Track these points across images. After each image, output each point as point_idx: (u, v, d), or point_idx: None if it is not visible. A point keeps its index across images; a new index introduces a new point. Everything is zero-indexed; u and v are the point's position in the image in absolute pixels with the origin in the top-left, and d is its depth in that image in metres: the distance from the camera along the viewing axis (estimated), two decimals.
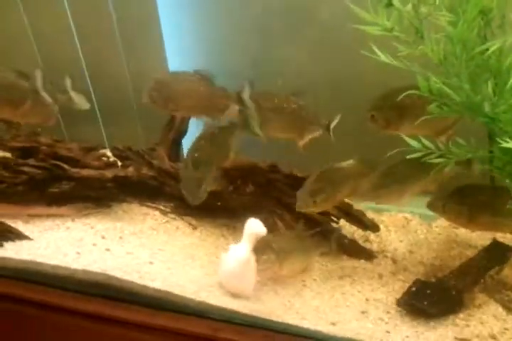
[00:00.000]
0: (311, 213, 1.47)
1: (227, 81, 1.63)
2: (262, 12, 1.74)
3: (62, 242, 1.45)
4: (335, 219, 1.52)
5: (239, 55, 1.84)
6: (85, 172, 1.53)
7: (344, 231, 1.50)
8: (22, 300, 1.37)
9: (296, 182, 1.52)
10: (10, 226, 1.46)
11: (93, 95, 2.03)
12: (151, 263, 1.38)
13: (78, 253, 1.41)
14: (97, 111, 2.10)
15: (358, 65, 1.54)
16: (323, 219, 1.50)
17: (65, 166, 1.53)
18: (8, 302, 1.39)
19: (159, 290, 1.26)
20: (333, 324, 1.15)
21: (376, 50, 1.22)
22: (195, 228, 1.53)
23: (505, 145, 1.10)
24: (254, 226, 1.24)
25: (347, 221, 1.50)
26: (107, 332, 1.33)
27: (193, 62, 1.89)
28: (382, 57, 1.22)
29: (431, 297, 1.17)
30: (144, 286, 1.27)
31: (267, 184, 1.53)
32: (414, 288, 1.20)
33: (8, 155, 1.67)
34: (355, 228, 1.52)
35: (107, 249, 1.43)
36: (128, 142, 1.74)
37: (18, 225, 1.50)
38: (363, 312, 1.21)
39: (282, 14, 1.70)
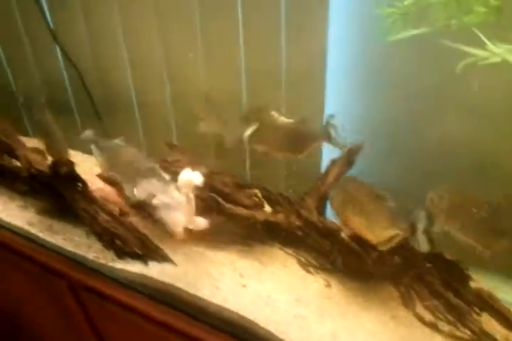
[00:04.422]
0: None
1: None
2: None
3: (201, 273, 1.51)
4: (477, 310, 1.44)
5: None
6: (239, 210, 1.58)
7: (484, 326, 1.41)
8: (159, 323, 1.46)
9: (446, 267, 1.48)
10: (160, 249, 1.55)
11: None
12: (286, 311, 1.39)
13: (216, 287, 1.46)
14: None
15: None
16: (463, 307, 1.44)
17: (220, 200, 1.59)
18: (143, 319, 1.47)
19: None
20: None
21: None
22: (329, 285, 1.52)
23: None
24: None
25: (490, 315, 1.42)
26: None
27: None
28: None
29: None
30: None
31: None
32: None
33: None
34: (495, 324, 1.42)
35: (244, 288, 1.47)
36: (267, 182, 1.78)
37: (165, 248, 1.58)
38: None
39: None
